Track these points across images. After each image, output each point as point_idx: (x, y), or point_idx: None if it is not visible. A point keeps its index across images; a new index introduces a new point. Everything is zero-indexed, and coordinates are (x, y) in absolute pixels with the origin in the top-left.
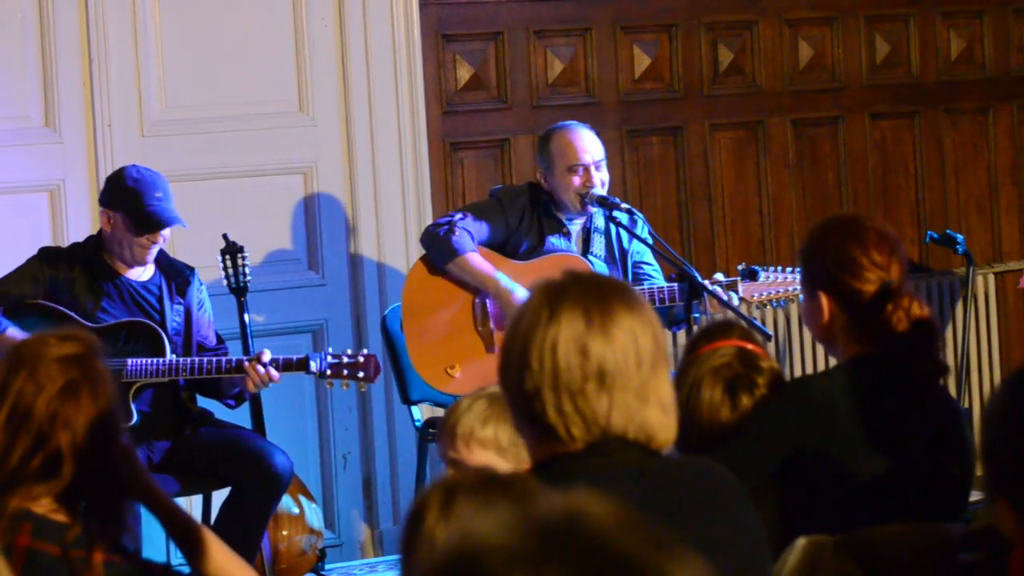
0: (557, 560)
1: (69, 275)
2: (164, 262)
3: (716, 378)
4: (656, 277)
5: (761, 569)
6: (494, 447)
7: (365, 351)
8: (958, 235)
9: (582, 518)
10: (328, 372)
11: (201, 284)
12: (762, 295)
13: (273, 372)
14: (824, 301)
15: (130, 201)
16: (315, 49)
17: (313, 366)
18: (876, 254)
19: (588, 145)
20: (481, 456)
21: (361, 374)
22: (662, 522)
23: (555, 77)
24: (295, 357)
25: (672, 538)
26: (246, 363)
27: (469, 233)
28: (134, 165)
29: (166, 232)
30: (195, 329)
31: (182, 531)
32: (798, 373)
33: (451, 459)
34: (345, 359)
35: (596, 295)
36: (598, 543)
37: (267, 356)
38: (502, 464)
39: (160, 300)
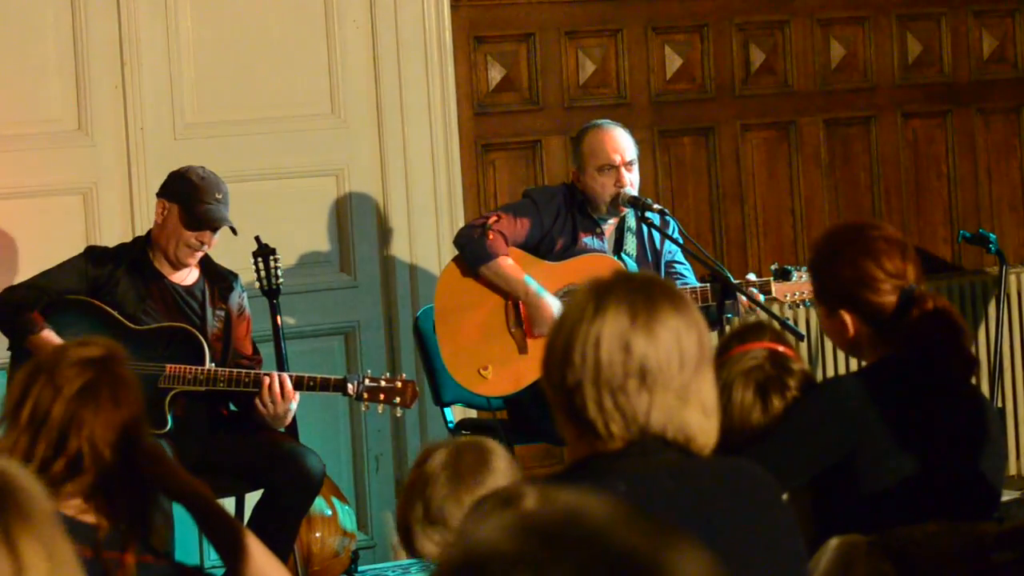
0: (561, 560)
1: (113, 275)
2: (208, 267)
3: (747, 380)
4: (688, 276)
5: (796, 570)
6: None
7: (403, 375)
8: (990, 234)
9: (582, 516)
10: (365, 396)
11: (243, 291)
12: (795, 295)
13: (282, 398)
14: (847, 318)
15: (189, 195)
16: (347, 51)
17: (350, 388)
18: (889, 263)
19: (619, 145)
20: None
21: (397, 399)
22: (692, 518)
23: (587, 78)
24: (332, 378)
25: (673, 531)
26: (265, 380)
27: (503, 235)
28: (202, 167)
29: (215, 238)
30: (233, 335)
31: (221, 532)
32: (831, 374)
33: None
34: (383, 383)
35: (642, 294)
36: (600, 540)
37: (288, 382)
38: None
39: (202, 305)
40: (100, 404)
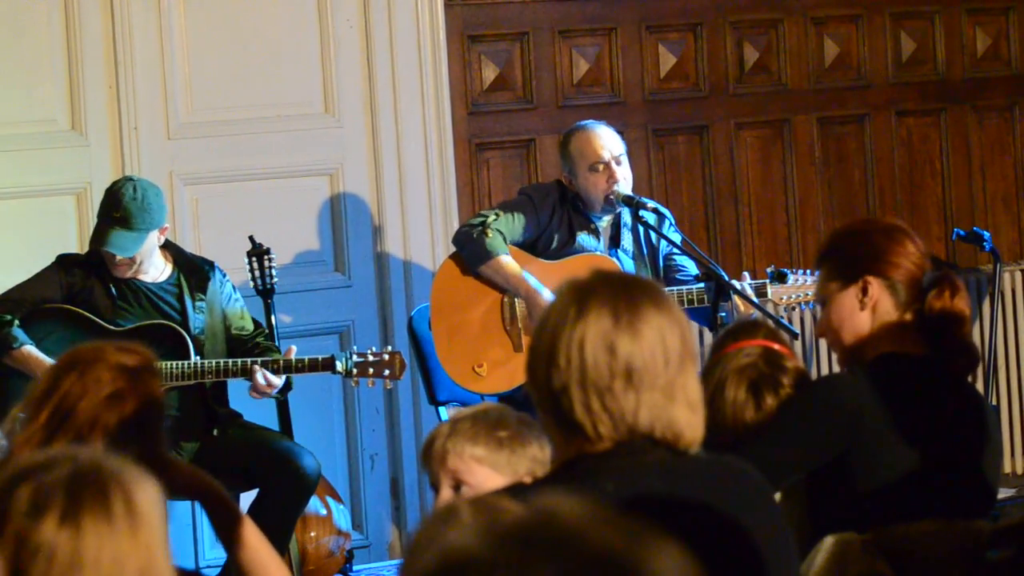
0: (537, 563)
1: (86, 281)
2: (181, 260)
3: (740, 378)
4: (688, 267)
5: (788, 565)
6: (489, 464)
7: (390, 348)
8: (985, 232)
9: (556, 518)
10: (354, 371)
11: (224, 276)
12: (791, 297)
13: (273, 379)
14: (874, 283)
15: (100, 209)
16: (340, 50)
17: (339, 366)
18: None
19: (606, 142)
20: (479, 472)
21: (387, 372)
22: (681, 518)
23: (580, 77)
24: (320, 357)
25: (650, 530)
26: (256, 370)
27: (502, 234)
28: (132, 178)
29: (137, 255)
30: (227, 322)
31: (224, 517)
32: (825, 372)
33: (449, 477)
34: (370, 357)
35: (624, 293)
36: (576, 541)
37: (292, 353)
38: (499, 479)
39: (180, 299)
40: (124, 413)
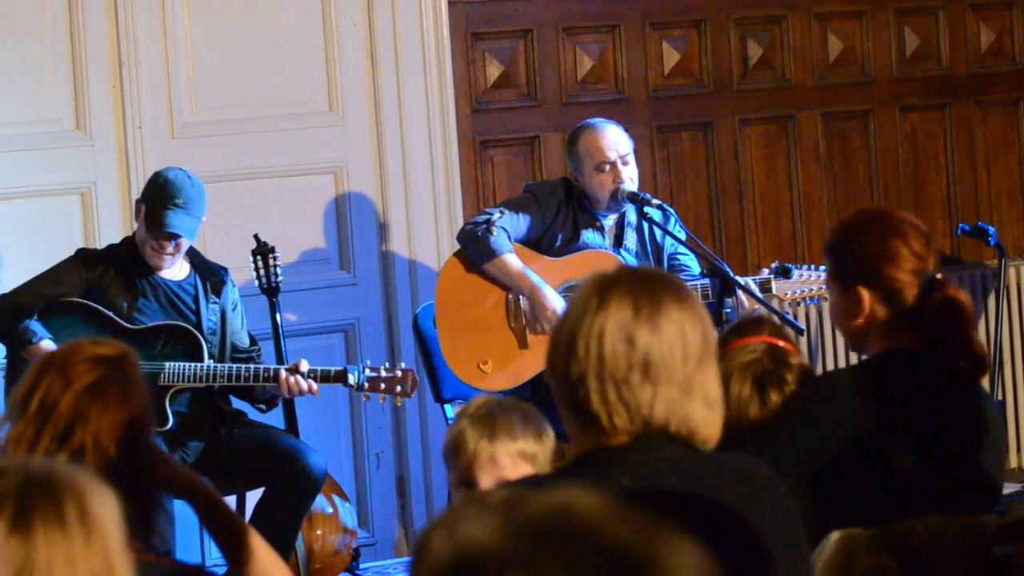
0: (553, 557)
1: (105, 276)
2: (198, 261)
3: (745, 374)
4: (691, 268)
5: (800, 565)
6: (529, 458)
7: (403, 365)
8: (990, 227)
9: (573, 512)
10: (366, 386)
11: (234, 284)
12: (795, 293)
13: (313, 384)
14: (864, 295)
15: (152, 197)
16: (344, 49)
17: (351, 379)
18: (915, 243)
19: (613, 142)
20: (523, 467)
21: (399, 388)
22: (695, 514)
23: (584, 74)
24: (333, 369)
25: (666, 526)
26: (283, 373)
27: (506, 232)
28: (182, 168)
29: (182, 243)
30: (229, 330)
31: (224, 530)
32: (831, 368)
33: (492, 477)
34: (383, 373)
35: (646, 287)
36: (591, 535)
37: (305, 367)
38: (532, 471)
39: (196, 300)
40: (108, 402)
